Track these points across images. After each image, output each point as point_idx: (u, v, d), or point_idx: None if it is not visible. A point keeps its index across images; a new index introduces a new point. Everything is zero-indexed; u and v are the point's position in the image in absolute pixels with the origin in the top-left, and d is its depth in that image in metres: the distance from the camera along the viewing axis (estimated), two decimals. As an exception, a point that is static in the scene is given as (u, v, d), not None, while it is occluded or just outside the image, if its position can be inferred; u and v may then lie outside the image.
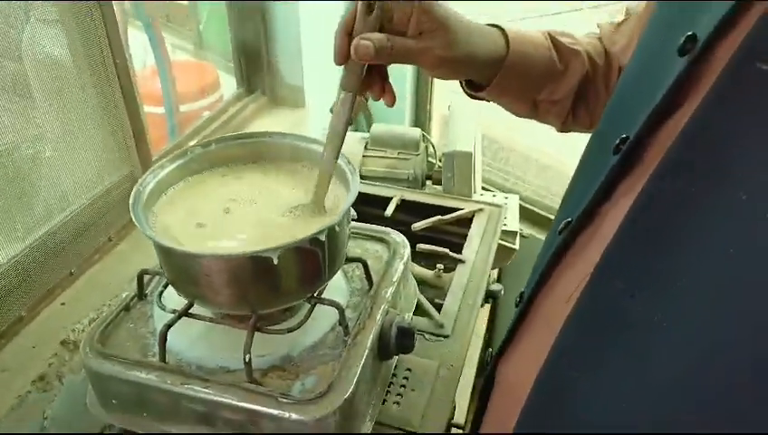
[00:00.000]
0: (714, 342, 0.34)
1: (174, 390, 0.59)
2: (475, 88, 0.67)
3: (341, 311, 0.63)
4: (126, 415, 0.63)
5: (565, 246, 0.48)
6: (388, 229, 0.82)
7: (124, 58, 0.96)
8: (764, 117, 0.33)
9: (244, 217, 0.65)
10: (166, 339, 0.61)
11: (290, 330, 0.61)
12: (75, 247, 0.93)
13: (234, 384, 0.59)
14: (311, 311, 0.63)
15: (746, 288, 0.33)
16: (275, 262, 0.55)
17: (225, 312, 0.64)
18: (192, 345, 0.64)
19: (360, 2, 0.54)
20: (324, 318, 0.66)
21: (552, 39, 0.66)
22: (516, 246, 1.25)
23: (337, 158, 0.62)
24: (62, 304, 0.89)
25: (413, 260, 0.94)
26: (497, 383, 0.58)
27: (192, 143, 0.91)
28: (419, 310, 0.88)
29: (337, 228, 0.60)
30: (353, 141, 1.38)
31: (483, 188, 1.46)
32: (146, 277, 0.71)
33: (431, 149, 1.43)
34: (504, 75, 0.63)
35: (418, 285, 0.85)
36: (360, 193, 0.62)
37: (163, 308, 0.64)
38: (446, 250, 1.03)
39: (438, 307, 0.91)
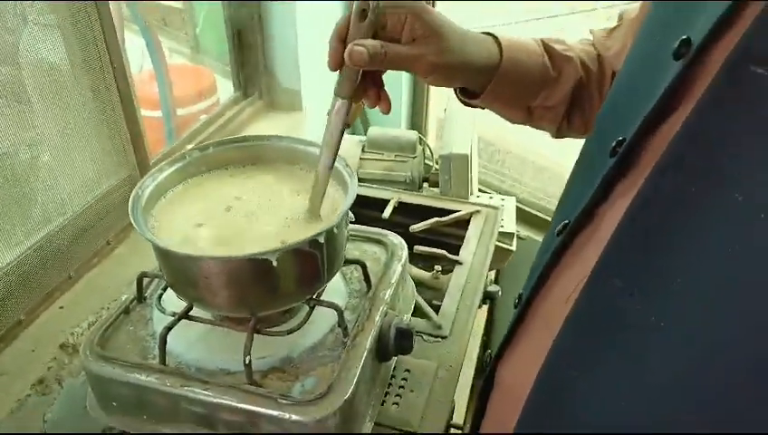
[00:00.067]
0: (712, 341, 0.35)
1: (174, 392, 0.59)
2: (468, 95, 0.67)
3: (340, 312, 0.63)
4: (126, 417, 0.63)
5: (563, 247, 0.48)
6: (386, 231, 0.83)
7: (121, 62, 0.97)
8: (759, 119, 0.33)
9: (242, 219, 0.65)
10: (166, 341, 0.61)
11: (289, 332, 0.62)
12: (74, 251, 0.93)
13: (234, 386, 0.59)
14: (310, 313, 0.64)
15: (743, 288, 0.33)
16: (274, 264, 0.55)
17: (225, 314, 0.65)
18: (192, 348, 0.65)
19: (353, 8, 0.54)
20: (323, 320, 0.66)
21: (545, 46, 0.66)
22: (513, 248, 1.25)
23: (332, 167, 0.62)
24: (61, 307, 0.89)
25: (411, 262, 0.94)
26: (497, 384, 0.59)
27: (189, 147, 0.91)
28: (418, 311, 0.88)
29: (335, 230, 0.61)
30: (350, 144, 1.38)
31: (480, 191, 1.47)
32: (145, 280, 0.71)
33: (428, 152, 1.43)
34: (498, 82, 0.63)
35: (416, 286, 0.85)
36: (357, 195, 0.62)
37: (163, 311, 0.65)
38: (444, 252, 1.04)
39: (436, 308, 0.91)
